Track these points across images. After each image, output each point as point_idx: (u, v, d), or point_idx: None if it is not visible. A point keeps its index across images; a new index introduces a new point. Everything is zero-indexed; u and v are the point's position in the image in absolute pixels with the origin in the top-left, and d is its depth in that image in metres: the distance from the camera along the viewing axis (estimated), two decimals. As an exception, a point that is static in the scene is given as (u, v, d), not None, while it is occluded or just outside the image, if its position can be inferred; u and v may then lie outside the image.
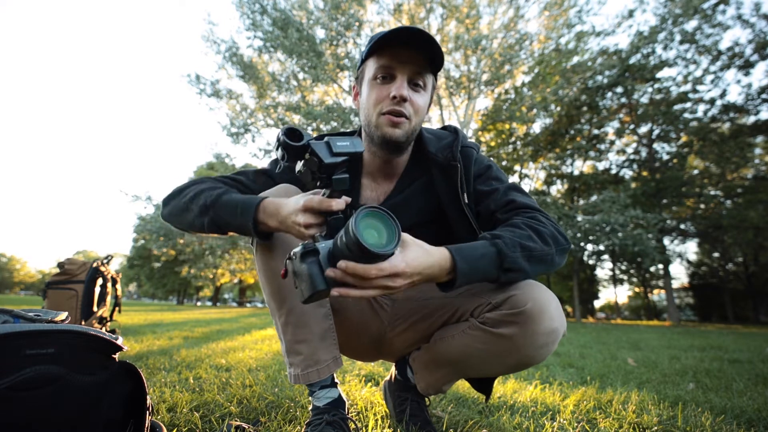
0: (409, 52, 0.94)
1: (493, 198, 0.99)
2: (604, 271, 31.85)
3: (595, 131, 20.22)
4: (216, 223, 0.89)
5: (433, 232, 1.07)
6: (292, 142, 0.77)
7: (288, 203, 0.81)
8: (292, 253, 0.74)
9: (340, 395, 1.02)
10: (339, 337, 1.04)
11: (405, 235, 0.78)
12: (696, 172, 20.13)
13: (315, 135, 0.97)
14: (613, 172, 21.80)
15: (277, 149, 0.79)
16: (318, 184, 0.79)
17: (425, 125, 1.13)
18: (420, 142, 1.09)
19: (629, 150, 21.58)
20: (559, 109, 16.66)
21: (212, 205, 0.88)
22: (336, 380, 1.04)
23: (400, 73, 0.95)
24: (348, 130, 1.17)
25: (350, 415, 1.04)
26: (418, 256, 0.76)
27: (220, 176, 1.04)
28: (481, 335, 0.93)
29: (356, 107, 1.06)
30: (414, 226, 1.01)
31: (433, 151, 1.05)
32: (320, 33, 14.21)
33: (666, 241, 20.87)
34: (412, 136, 1.01)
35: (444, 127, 1.17)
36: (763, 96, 17.15)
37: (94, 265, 2.86)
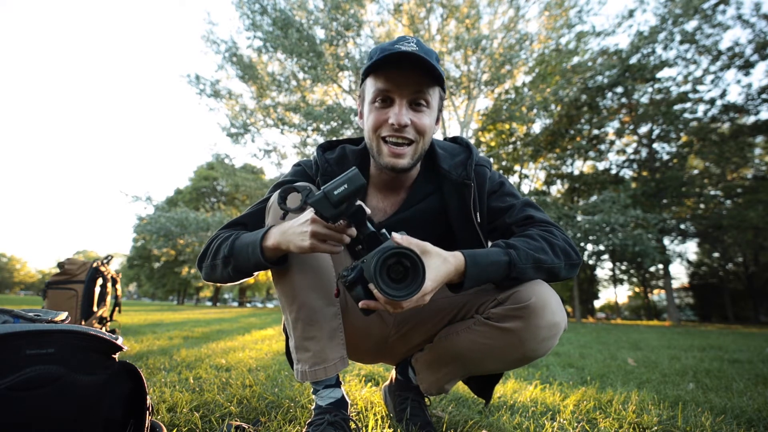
0: (406, 73, 0.90)
1: (509, 213, 1.01)
2: (604, 271, 31.81)
3: (595, 131, 20.19)
4: (238, 270, 0.90)
5: (441, 246, 1.06)
6: (289, 207, 0.78)
7: (295, 220, 0.82)
8: (342, 273, 0.79)
9: (343, 396, 1.02)
10: None
11: (425, 245, 0.81)
12: (696, 172, 20.11)
13: (322, 149, 1.00)
14: (613, 172, 21.77)
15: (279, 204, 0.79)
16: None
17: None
18: (431, 155, 1.06)
19: (629, 150, 21.58)
20: (559, 109, 16.65)
21: (230, 255, 0.90)
22: (340, 380, 1.04)
23: (399, 96, 0.91)
24: (350, 138, 1.16)
25: (351, 415, 1.04)
26: (438, 266, 0.79)
27: (238, 219, 1.03)
28: (486, 330, 0.95)
29: (361, 126, 1.04)
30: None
31: (446, 168, 1.04)
32: (320, 33, 14.21)
33: (666, 241, 20.85)
34: (419, 157, 0.99)
35: (454, 139, 1.16)
36: (763, 96, 17.15)
37: (94, 265, 2.86)
